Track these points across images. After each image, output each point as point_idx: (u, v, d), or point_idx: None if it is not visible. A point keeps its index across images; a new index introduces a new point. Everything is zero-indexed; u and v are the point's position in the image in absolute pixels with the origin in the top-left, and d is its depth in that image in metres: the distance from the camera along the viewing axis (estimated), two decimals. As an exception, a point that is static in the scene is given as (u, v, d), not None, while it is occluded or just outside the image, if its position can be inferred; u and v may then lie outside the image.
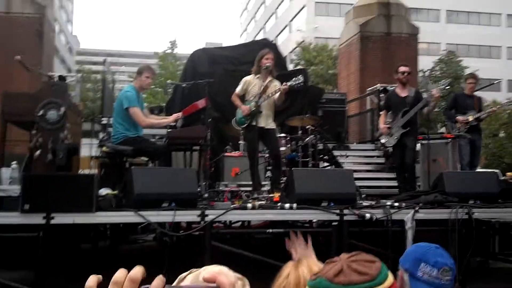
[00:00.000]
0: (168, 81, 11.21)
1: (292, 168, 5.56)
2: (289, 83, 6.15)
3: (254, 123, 6.13)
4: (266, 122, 6.26)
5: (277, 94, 6.19)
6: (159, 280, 0.73)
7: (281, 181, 6.70)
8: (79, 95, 10.64)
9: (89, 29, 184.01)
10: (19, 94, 6.28)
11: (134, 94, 5.85)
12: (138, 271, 0.73)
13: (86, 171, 6.97)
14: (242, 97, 6.40)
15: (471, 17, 47.01)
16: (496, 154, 30.26)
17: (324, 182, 5.09)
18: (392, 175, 8.32)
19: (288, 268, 1.54)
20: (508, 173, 16.25)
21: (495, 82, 19.43)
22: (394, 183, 8.16)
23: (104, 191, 5.20)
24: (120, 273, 0.73)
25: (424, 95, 7.25)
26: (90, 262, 5.74)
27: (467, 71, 34.46)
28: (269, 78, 6.31)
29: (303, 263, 1.55)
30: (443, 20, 46.78)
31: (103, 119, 8.47)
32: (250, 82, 6.34)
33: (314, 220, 6.10)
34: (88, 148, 7.42)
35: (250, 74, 6.59)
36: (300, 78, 6.24)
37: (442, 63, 35.65)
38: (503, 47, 46.78)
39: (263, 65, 6.23)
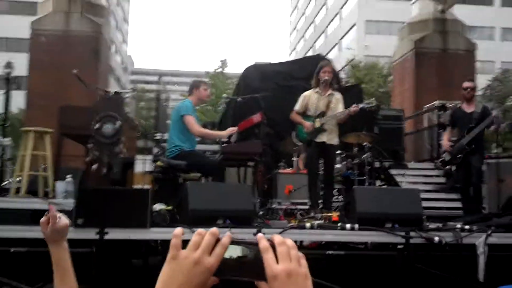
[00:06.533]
0: (224, 95, 11.18)
1: (354, 187, 5.29)
2: (360, 106, 6.11)
3: (316, 139, 5.98)
4: (328, 137, 6.13)
5: (344, 114, 6.09)
6: (227, 236, 0.85)
7: (333, 200, 6.46)
8: (134, 111, 10.73)
9: (143, 49, 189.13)
10: (75, 108, 6.31)
11: (191, 105, 5.82)
12: (216, 229, 0.85)
13: (139, 187, 6.91)
14: (302, 112, 6.26)
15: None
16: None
17: (388, 201, 4.79)
18: (454, 196, 7.87)
19: None
20: None
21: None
22: (455, 204, 7.70)
23: (158, 207, 5.09)
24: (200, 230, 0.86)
25: (493, 112, 6.83)
26: (141, 278, 5.62)
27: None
28: (329, 91, 6.19)
29: None
30: (498, 37, 45.32)
31: (157, 134, 8.48)
32: (310, 97, 6.21)
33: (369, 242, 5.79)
34: (141, 164, 7.37)
35: (305, 90, 6.48)
36: (373, 101, 6.25)
37: (498, 81, 34.47)
38: None
39: (321, 78, 6.10)
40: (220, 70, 38.19)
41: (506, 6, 44.48)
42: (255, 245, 0.84)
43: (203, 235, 0.85)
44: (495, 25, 44.65)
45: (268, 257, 0.82)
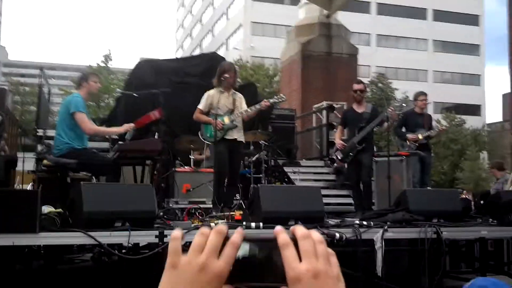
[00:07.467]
0: (118, 90, 10.67)
1: (258, 185, 5.26)
2: (271, 100, 6.20)
3: (227, 137, 5.96)
4: (239, 134, 6.12)
5: (254, 110, 6.14)
6: (238, 232, 0.69)
7: (235, 199, 6.41)
8: (10, 105, 9.83)
9: (19, 41, 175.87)
10: None
11: (81, 100, 5.38)
12: (223, 226, 0.71)
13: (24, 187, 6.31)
14: (207, 112, 6.21)
15: (399, 41, 49.05)
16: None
17: (291, 199, 4.81)
18: (344, 192, 8.20)
19: None
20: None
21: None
22: (346, 200, 8.04)
23: (46, 209, 4.64)
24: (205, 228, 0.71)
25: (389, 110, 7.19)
26: (25, 285, 5.11)
27: (397, 93, 35.99)
28: (232, 91, 6.17)
29: None
30: (374, 43, 48.48)
31: (38, 131, 7.80)
32: (214, 96, 6.14)
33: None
34: (24, 163, 6.74)
35: (199, 87, 6.41)
36: (283, 96, 6.33)
37: (373, 85, 36.84)
38: (430, 71, 49.08)
39: (225, 78, 6.07)
40: (103, 65, 36.61)
41: (381, 14, 47.73)
42: (272, 240, 0.67)
43: (207, 234, 0.69)
44: (371, 32, 47.67)
45: (288, 254, 0.65)
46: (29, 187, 6.44)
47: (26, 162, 6.67)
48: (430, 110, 43.49)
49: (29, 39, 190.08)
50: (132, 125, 5.64)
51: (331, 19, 15.43)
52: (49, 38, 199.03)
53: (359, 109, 7.15)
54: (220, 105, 6.09)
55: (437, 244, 4.82)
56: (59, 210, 4.71)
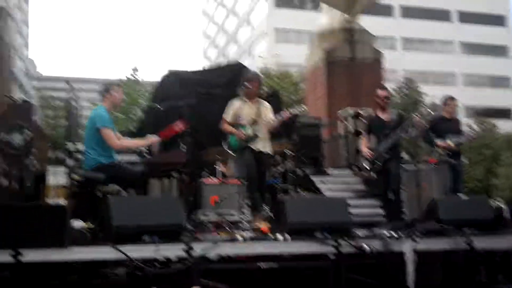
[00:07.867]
0: (145, 104, 10.84)
1: (284, 197, 5.25)
2: (291, 110, 6.26)
3: (250, 146, 5.98)
4: (262, 145, 6.15)
5: (278, 121, 6.18)
6: None
7: (263, 209, 6.39)
8: (41, 119, 10.02)
9: (48, 55, 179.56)
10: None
11: (106, 114, 5.45)
12: None
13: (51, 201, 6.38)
14: (233, 122, 6.30)
15: (425, 44, 48.36)
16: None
17: (317, 211, 4.77)
18: (374, 202, 8.07)
19: None
20: None
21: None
22: (376, 210, 7.89)
23: (76, 223, 4.71)
24: None
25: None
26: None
27: (426, 97, 35.42)
28: (257, 100, 6.23)
29: None
30: (400, 47, 47.93)
31: (68, 144, 7.93)
32: (239, 107, 6.19)
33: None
34: (54, 177, 6.83)
35: (224, 97, 6.49)
36: (303, 106, 6.45)
37: (400, 89, 36.37)
38: (458, 74, 48.27)
39: (247, 89, 6.13)
40: (132, 77, 37.12)
41: (405, 17, 47.23)
42: None
43: None
44: (395, 35, 47.10)
45: None
46: (61, 201, 6.54)
47: (58, 176, 6.76)
48: (460, 114, 42.86)
49: (57, 53, 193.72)
50: (156, 137, 5.69)
51: (354, 24, 15.32)
52: (78, 52, 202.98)
53: (384, 116, 7.07)
54: (243, 115, 6.15)
55: (470, 255, 4.70)
56: (91, 225, 4.77)
